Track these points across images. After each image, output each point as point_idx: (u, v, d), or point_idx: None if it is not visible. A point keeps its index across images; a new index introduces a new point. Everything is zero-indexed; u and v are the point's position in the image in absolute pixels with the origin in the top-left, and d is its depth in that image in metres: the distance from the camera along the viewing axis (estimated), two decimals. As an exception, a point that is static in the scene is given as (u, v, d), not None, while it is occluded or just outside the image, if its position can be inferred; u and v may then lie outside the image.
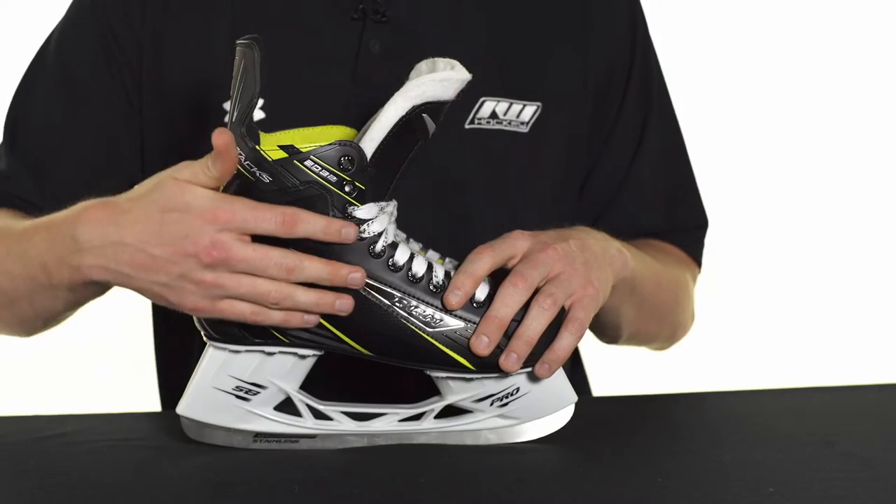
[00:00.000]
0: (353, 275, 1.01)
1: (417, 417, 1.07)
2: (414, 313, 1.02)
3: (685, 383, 1.60)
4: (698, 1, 2.80)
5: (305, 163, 1.00)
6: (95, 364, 2.57)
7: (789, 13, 2.81)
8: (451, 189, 1.27)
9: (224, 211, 1.00)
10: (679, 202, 1.39)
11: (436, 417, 1.07)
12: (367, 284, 1.02)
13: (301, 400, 1.06)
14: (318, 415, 1.07)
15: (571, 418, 1.09)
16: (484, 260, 1.04)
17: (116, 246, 1.03)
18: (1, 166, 1.31)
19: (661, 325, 1.36)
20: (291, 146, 1.00)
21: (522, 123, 1.28)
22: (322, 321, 1.02)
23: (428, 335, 1.03)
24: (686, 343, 1.40)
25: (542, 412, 1.07)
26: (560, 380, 1.07)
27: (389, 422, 1.07)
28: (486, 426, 1.07)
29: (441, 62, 1.03)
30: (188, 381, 1.06)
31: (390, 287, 1.02)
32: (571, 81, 1.31)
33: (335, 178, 1.00)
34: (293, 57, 1.24)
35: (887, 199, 2.86)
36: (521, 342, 1.02)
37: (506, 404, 1.06)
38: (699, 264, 1.40)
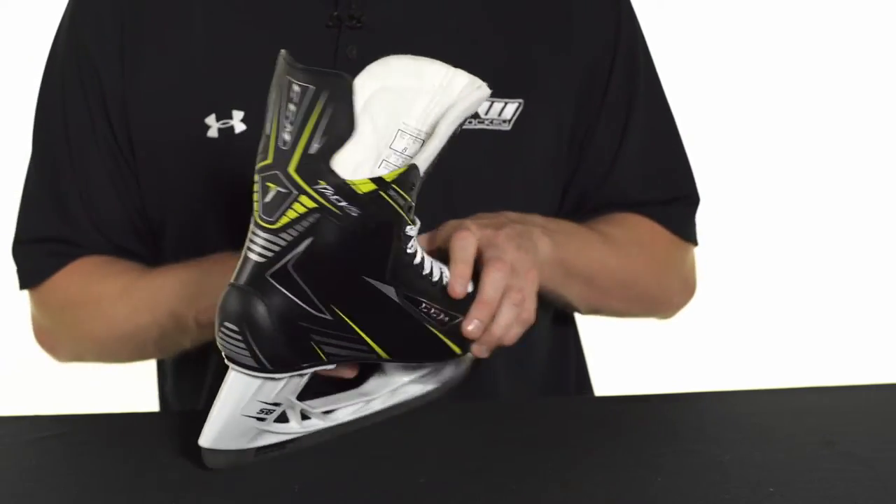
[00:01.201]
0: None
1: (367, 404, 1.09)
2: (432, 314, 1.03)
3: (685, 383, 1.59)
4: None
5: (390, 192, 0.97)
6: (96, 364, 2.57)
7: (785, 5, 2.81)
8: (435, 190, 1.27)
9: None
10: (669, 179, 1.38)
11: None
12: (405, 296, 1.01)
13: (299, 407, 1.06)
14: (302, 416, 1.07)
15: (571, 417, 1.09)
16: (471, 244, 1.05)
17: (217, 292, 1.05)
18: (49, 231, 1.32)
19: (626, 301, 1.35)
20: (379, 178, 0.96)
21: (504, 121, 1.27)
22: (362, 334, 1.01)
23: (440, 332, 1.03)
24: (685, 343, 1.40)
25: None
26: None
27: (349, 413, 1.08)
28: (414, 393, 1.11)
29: (417, 61, 1.00)
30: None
31: (420, 294, 1.02)
32: (554, 76, 1.30)
33: (404, 201, 0.98)
34: (270, 68, 1.23)
35: (887, 199, 2.86)
36: (492, 336, 1.05)
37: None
38: (688, 239, 1.39)
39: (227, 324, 0.97)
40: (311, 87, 0.95)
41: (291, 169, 0.95)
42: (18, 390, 2.46)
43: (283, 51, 0.97)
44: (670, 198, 1.39)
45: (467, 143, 1.26)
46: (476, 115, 1.26)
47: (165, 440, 1.08)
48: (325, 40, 1.25)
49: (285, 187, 0.95)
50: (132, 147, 1.29)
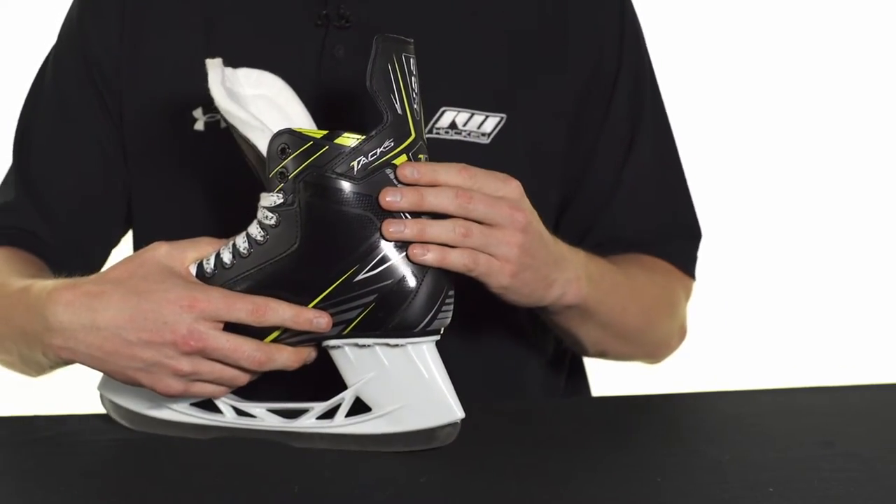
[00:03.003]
0: (312, 354, 1.04)
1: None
2: None
3: (685, 383, 1.60)
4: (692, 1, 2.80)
5: None
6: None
7: (786, 12, 2.81)
8: None
9: (200, 300, 1.00)
10: (671, 214, 1.36)
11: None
12: None
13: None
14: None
15: (571, 418, 1.08)
16: (449, 195, 1.01)
17: (88, 330, 1.03)
18: (9, 197, 1.33)
19: (634, 346, 1.33)
20: None
21: (483, 135, 1.25)
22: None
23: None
24: (685, 343, 1.40)
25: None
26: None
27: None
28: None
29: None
30: None
31: None
32: (542, 92, 1.27)
33: None
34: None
35: (887, 199, 2.86)
36: (416, 226, 1.00)
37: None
38: (692, 277, 1.37)
39: (451, 292, 1.02)
40: (413, 55, 1.01)
41: (424, 133, 1.02)
42: (18, 390, 2.46)
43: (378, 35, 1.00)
44: (684, 237, 1.37)
45: (440, 153, 1.23)
46: (454, 126, 1.25)
47: (165, 440, 1.08)
48: (314, 40, 1.25)
49: (426, 151, 1.02)
50: (123, 133, 1.31)
